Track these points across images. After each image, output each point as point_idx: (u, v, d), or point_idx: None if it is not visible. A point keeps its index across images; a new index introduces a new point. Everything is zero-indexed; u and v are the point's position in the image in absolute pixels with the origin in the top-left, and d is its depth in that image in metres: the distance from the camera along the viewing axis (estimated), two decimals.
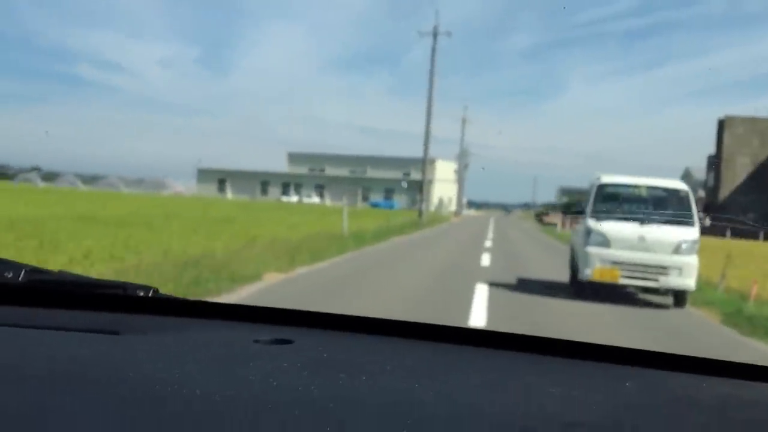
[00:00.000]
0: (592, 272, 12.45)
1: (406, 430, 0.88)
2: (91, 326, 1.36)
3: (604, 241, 12.45)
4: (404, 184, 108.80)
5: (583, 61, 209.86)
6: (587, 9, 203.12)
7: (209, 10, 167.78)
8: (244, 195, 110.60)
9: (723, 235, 63.10)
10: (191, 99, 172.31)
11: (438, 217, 55.44)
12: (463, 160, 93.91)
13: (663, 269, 12.27)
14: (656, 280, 12.38)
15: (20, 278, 1.55)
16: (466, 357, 1.32)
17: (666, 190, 13.11)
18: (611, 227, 12.62)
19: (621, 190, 13.82)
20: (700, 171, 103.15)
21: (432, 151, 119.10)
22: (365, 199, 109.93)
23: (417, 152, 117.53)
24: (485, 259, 20.22)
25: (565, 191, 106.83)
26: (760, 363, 1.27)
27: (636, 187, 13.36)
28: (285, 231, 23.84)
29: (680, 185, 13.26)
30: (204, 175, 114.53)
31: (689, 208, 12.70)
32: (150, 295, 1.62)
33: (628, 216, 12.98)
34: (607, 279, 12.51)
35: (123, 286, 1.65)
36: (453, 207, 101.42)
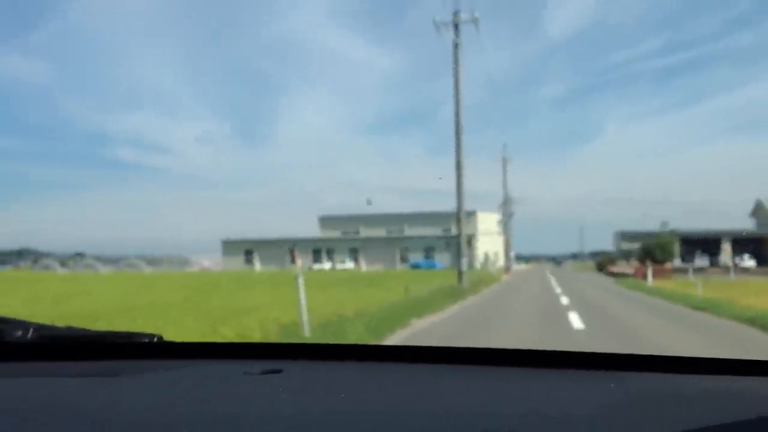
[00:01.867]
0: None
1: None
2: (92, 373, 1.41)
3: None
4: (443, 241, 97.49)
5: (617, 104, 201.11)
6: (615, 50, 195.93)
7: (240, 86, 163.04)
8: (273, 265, 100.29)
9: None
10: (226, 173, 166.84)
11: (485, 276, 43.78)
12: (507, 209, 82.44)
13: None
14: None
15: (29, 336, 1.54)
16: (446, 374, 1.37)
17: None
18: None
19: None
20: None
21: (472, 206, 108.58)
22: (404, 260, 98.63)
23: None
24: None
25: (626, 236, 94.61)
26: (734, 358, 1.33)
27: None
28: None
29: None
30: (229, 247, 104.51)
31: None
32: (153, 341, 1.66)
33: None
34: None
35: (128, 335, 1.69)
36: (501, 262, 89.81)
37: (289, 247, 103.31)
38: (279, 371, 1.37)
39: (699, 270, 55.80)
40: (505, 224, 72.54)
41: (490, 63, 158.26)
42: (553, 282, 40.27)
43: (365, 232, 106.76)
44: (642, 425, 1.01)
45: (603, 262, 74.22)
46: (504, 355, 1.46)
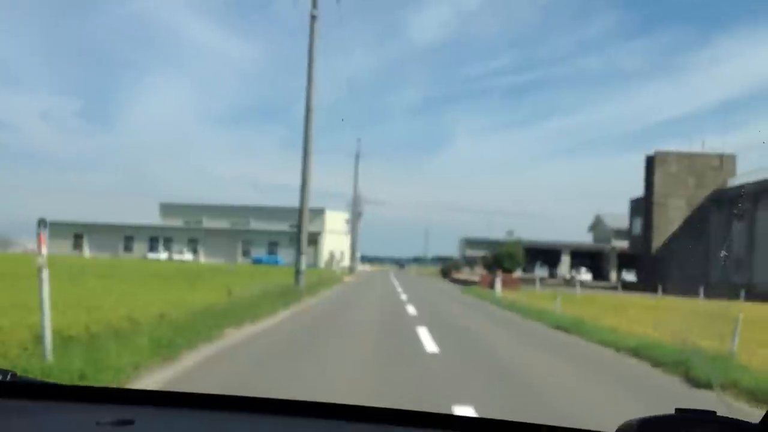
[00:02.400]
0: None
1: None
2: None
3: None
4: (288, 237, 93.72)
5: (469, 115, 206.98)
6: (472, 64, 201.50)
7: (90, 64, 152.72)
8: (105, 252, 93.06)
9: (654, 291, 49.00)
10: (67, 153, 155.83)
11: (327, 277, 40.64)
12: (356, 208, 79.95)
13: None
14: None
15: None
16: (278, 424, 1.46)
17: None
18: None
19: None
20: (613, 218, 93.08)
21: (323, 204, 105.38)
22: (246, 254, 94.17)
23: (309, 203, 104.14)
24: None
25: (471, 242, 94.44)
26: None
27: None
28: None
29: None
30: (57, 229, 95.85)
31: None
32: (8, 379, 1.61)
33: None
34: None
35: None
36: (346, 262, 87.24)
37: (125, 234, 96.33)
38: (131, 422, 1.34)
39: (540, 280, 55.26)
40: (354, 224, 69.79)
41: (351, 63, 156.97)
42: (399, 287, 37.77)
43: (209, 223, 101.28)
44: None
45: (448, 268, 73.16)
46: (365, 411, 1.50)
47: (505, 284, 38.39)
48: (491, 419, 1.41)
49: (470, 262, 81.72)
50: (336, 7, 38.69)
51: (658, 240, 59.36)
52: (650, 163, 60.65)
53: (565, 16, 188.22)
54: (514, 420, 1.39)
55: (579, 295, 34.48)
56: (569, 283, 68.79)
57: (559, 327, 16.38)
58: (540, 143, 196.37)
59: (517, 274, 49.56)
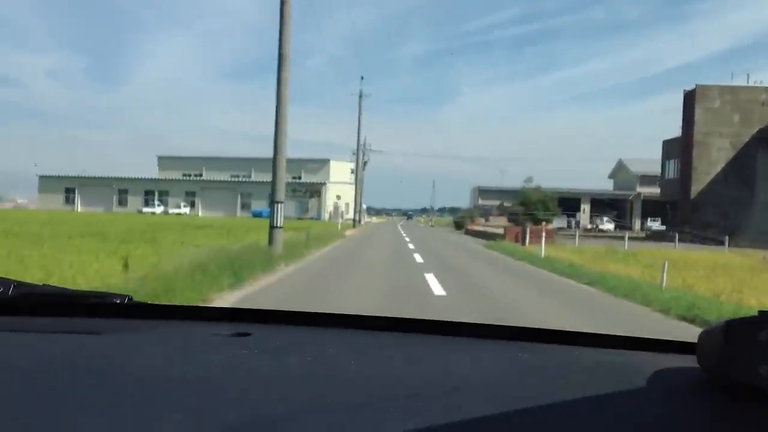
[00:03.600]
0: None
1: (335, 396, 1.05)
2: (72, 330, 1.43)
3: None
4: (291, 188, 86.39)
5: (474, 68, 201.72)
6: (476, 18, 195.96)
7: (95, 20, 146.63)
8: (98, 206, 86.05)
9: (694, 240, 42.75)
10: (71, 108, 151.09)
11: (323, 231, 33.30)
12: (360, 156, 72.44)
13: None
14: None
15: (9, 292, 1.56)
16: (391, 341, 1.52)
17: None
18: None
19: None
20: (638, 163, 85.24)
21: (329, 156, 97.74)
22: (245, 207, 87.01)
23: (314, 155, 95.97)
24: None
25: (484, 192, 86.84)
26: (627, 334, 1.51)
27: None
28: None
29: None
30: (48, 183, 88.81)
31: None
32: (126, 302, 1.68)
33: None
34: None
35: (102, 295, 1.74)
36: (351, 213, 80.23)
37: (118, 187, 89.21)
38: (248, 334, 1.41)
39: (557, 230, 48.36)
40: (358, 172, 62.37)
41: (355, 17, 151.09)
42: (410, 243, 30.44)
43: (208, 175, 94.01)
44: (547, 390, 1.12)
45: (462, 219, 65.54)
46: (430, 325, 1.62)
47: (534, 238, 31.25)
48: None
49: (485, 213, 74.38)
50: None
51: (698, 184, 51.69)
52: (689, 98, 52.73)
53: None
54: None
55: (625, 249, 27.20)
56: (593, 232, 61.59)
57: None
58: (547, 93, 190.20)
59: (550, 225, 42.01)
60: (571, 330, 1.56)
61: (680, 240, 43.38)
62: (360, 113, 51.29)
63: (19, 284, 1.60)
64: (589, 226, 71.28)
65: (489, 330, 1.59)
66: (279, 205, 17.11)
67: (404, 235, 41.46)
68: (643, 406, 1.06)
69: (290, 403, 1.01)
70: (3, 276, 1.62)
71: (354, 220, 51.96)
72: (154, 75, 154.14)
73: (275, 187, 17.21)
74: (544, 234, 21.77)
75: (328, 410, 0.99)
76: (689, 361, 1.18)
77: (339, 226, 39.07)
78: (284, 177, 17.26)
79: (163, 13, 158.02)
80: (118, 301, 1.68)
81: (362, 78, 53.02)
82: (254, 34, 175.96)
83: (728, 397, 1.03)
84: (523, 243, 30.36)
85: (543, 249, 21.73)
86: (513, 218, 52.98)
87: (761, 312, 0.99)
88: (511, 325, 1.61)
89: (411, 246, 27.69)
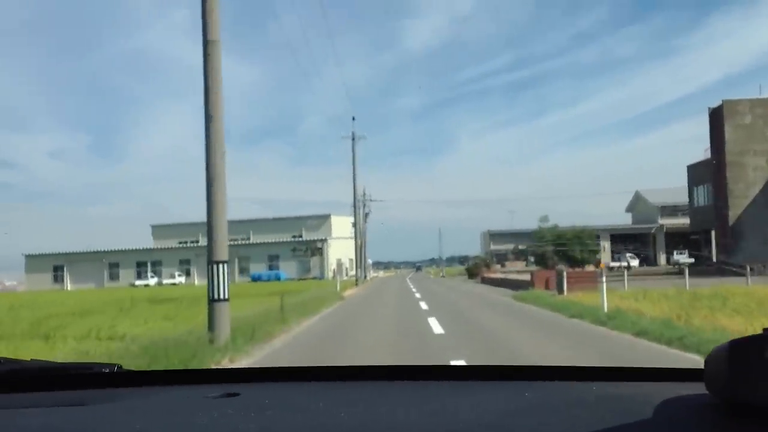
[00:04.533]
0: None
1: None
2: (60, 403, 1.40)
3: None
4: (291, 247, 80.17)
5: (471, 116, 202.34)
6: (469, 67, 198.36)
7: (94, 99, 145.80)
8: (89, 282, 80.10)
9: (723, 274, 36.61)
10: (78, 188, 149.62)
11: (318, 294, 27.22)
12: (360, 207, 66.64)
13: None
14: None
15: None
16: (386, 389, 1.48)
17: None
18: None
19: None
20: (657, 194, 79.31)
21: (330, 212, 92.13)
22: (244, 271, 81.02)
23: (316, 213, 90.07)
24: None
25: (495, 235, 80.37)
26: (641, 366, 1.46)
27: None
28: None
29: None
30: (34, 262, 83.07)
31: None
32: (114, 370, 1.64)
33: None
34: None
35: (89, 366, 1.69)
36: (354, 271, 74.16)
37: (109, 261, 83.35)
38: (237, 395, 1.39)
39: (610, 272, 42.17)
40: (358, 223, 56.35)
41: (350, 75, 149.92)
42: (423, 303, 24.26)
43: (205, 241, 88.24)
44: (550, 427, 1.09)
45: (476, 266, 58.97)
46: (422, 370, 1.58)
47: (574, 283, 25.17)
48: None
49: (499, 258, 68.13)
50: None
51: (735, 209, 45.53)
52: (716, 116, 46.89)
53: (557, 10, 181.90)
54: None
55: (693, 290, 21.04)
56: (617, 270, 55.21)
57: None
58: (547, 134, 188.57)
59: (591, 267, 35.64)
60: (576, 365, 1.50)
61: (722, 273, 37.41)
62: (354, 156, 45.55)
63: (6, 360, 1.57)
64: (613, 264, 65.02)
65: (491, 372, 1.54)
66: (219, 267, 11.11)
67: (414, 290, 35.29)
68: None
69: None
70: None
71: (356, 276, 45.59)
72: (154, 147, 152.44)
73: (212, 242, 11.20)
74: (604, 277, 15.53)
75: None
76: (698, 388, 1.13)
77: (338, 286, 32.88)
78: (224, 226, 11.36)
79: (160, 88, 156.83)
80: (106, 371, 1.64)
81: (353, 119, 46.91)
82: (250, 102, 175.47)
83: (738, 420, 1.00)
84: (560, 291, 24.22)
85: (605, 298, 15.53)
86: (538, 260, 46.71)
87: (766, 329, 0.96)
88: (512, 364, 1.54)
89: (423, 306, 21.52)
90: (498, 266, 58.81)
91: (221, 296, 11.00)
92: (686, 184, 55.74)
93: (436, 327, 14.17)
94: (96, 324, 15.40)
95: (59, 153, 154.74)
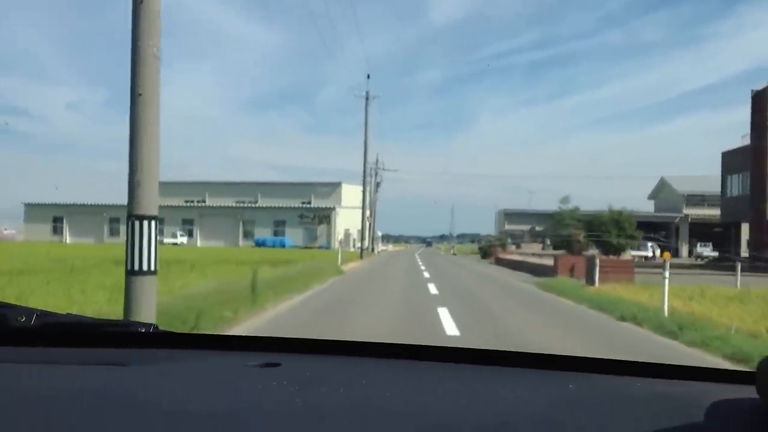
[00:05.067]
0: None
1: (371, 429, 1.01)
2: (96, 361, 1.38)
3: None
4: (298, 213, 76.76)
5: (492, 93, 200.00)
6: (493, 44, 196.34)
7: (114, 53, 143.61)
8: (89, 236, 77.27)
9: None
10: (90, 141, 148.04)
11: (315, 267, 23.88)
12: (371, 173, 63.11)
13: None
14: None
15: (32, 322, 1.51)
16: (428, 370, 1.42)
17: None
18: None
19: None
20: (684, 181, 75.28)
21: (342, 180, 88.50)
22: (248, 235, 77.82)
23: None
24: None
25: (510, 215, 76.62)
26: (681, 363, 1.41)
27: None
28: None
29: None
30: (34, 212, 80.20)
31: None
32: (150, 330, 1.61)
33: None
34: None
35: (126, 323, 1.76)
36: (364, 242, 70.75)
37: (110, 216, 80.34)
38: (278, 365, 1.36)
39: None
40: (366, 192, 52.80)
41: (373, 47, 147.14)
42: (431, 284, 20.83)
43: (213, 201, 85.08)
44: (598, 423, 1.06)
45: (491, 246, 55.26)
46: (468, 353, 1.52)
47: (609, 273, 21.72)
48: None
49: (515, 239, 64.51)
50: None
51: None
52: (759, 99, 42.83)
53: None
54: None
55: (739, 288, 17.35)
56: (643, 262, 51.58)
57: None
58: (569, 115, 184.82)
59: (627, 254, 31.99)
60: (622, 359, 1.44)
61: (756, 269, 33.83)
62: (367, 117, 41.76)
63: (42, 313, 1.54)
64: (634, 254, 61.38)
65: (532, 359, 1.48)
66: (144, 224, 7.56)
67: (423, 268, 31.86)
68: None
69: None
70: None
71: (362, 248, 42.10)
72: (172, 108, 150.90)
73: (133, 184, 7.62)
74: (667, 271, 12.00)
75: None
76: (749, 392, 1.09)
77: (339, 258, 29.50)
78: (155, 160, 7.73)
79: (182, 47, 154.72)
80: (143, 330, 1.61)
81: (368, 77, 42.82)
82: (269, 66, 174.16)
83: None
84: (590, 281, 20.71)
85: (666, 299, 11.98)
86: (558, 244, 43.08)
87: None
88: (556, 353, 1.48)
89: (433, 290, 18.08)
90: (513, 247, 55.23)
91: (145, 267, 7.53)
92: (714, 173, 51.76)
93: (448, 323, 10.78)
94: (17, 290, 12.04)
95: (77, 105, 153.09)
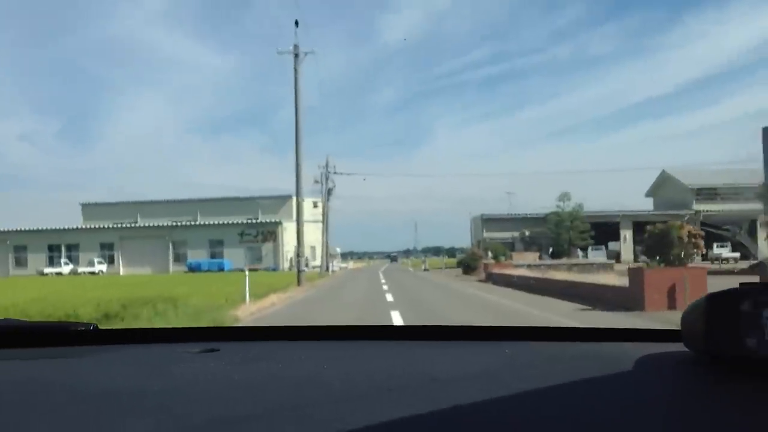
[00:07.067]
0: None
1: (308, 393, 1.03)
2: (38, 356, 1.36)
3: None
4: (240, 230, 63.41)
5: (447, 110, 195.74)
6: (447, 61, 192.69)
7: (66, 84, 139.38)
8: None
9: None
10: (54, 174, 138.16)
11: (205, 304, 11.00)
12: (323, 183, 50.30)
13: None
14: None
15: None
16: (368, 347, 1.46)
17: None
18: None
19: None
20: (690, 174, 64.13)
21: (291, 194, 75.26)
22: (180, 258, 64.29)
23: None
24: None
25: (490, 220, 63.97)
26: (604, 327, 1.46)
27: None
28: None
29: None
30: None
31: None
32: (90, 329, 1.56)
33: None
34: None
35: (65, 325, 1.62)
36: (318, 260, 57.77)
37: (14, 243, 66.14)
38: (218, 350, 1.38)
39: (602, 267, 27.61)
40: (299, 188, 39.76)
41: (327, 67, 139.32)
42: None
43: (147, 221, 71.25)
44: (530, 380, 1.07)
45: (473, 259, 42.08)
46: (406, 330, 1.60)
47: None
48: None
49: (494, 249, 51.92)
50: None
51: None
52: None
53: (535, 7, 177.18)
54: None
55: None
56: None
57: None
58: (514, 133, 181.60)
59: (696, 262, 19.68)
60: (557, 326, 1.48)
61: None
62: (297, 79, 28.63)
63: None
64: (634, 258, 49.33)
65: (471, 332, 1.53)
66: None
67: (390, 299, 18.99)
68: (632, 390, 1.03)
69: (261, 403, 0.98)
70: None
71: (299, 269, 29.06)
72: (127, 133, 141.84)
73: None
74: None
75: (302, 406, 0.96)
76: (677, 346, 1.15)
77: (247, 290, 16.57)
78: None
79: (134, 74, 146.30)
80: (82, 329, 1.56)
81: (297, 24, 28.44)
82: (224, 90, 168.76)
83: (717, 372, 1.01)
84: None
85: None
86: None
87: (742, 284, 0.97)
88: (496, 325, 1.52)
89: None
90: (494, 260, 42.77)
91: None
92: (722, 167, 40.24)
93: None
94: None
95: (29, 136, 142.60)
